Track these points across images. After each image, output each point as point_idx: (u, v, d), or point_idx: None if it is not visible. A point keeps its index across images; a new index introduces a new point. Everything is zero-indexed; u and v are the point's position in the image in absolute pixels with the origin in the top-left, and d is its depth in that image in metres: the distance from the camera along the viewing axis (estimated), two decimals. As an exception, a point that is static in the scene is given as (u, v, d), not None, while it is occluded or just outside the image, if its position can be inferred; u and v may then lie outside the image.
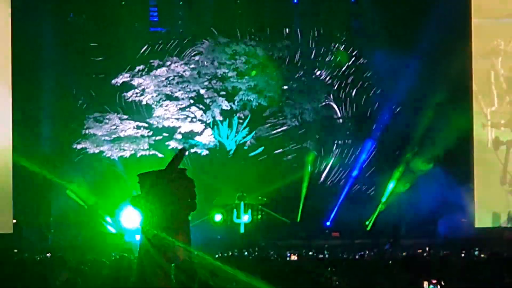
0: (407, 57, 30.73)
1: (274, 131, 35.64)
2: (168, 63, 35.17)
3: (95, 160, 34.62)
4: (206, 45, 35.37)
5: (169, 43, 35.14)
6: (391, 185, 32.33)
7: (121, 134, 35.06)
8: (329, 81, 35.67)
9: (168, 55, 35.12)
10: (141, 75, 35.20)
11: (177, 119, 35.26)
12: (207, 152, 35.34)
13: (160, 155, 35.13)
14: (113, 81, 34.79)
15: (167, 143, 35.19)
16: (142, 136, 35.13)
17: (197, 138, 35.39)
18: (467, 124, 28.97)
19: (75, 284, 8.75)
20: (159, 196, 3.57)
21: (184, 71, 35.23)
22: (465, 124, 29.16)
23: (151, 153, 35.16)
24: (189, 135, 35.37)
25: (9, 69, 27.77)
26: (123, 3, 33.24)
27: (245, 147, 35.56)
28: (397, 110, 33.70)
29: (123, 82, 34.97)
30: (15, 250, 23.87)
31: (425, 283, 10.11)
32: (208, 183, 33.59)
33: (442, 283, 9.98)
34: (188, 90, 35.25)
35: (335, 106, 35.63)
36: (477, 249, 23.64)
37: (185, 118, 35.31)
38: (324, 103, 35.60)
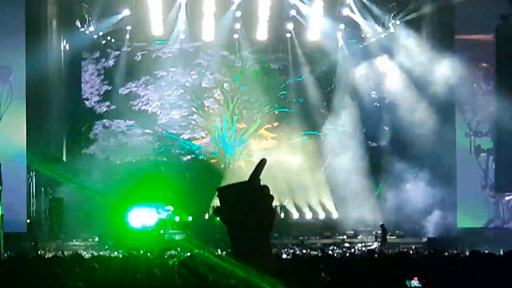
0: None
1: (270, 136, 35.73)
2: (172, 74, 35.22)
3: (103, 164, 34.66)
4: (206, 58, 35.44)
5: (172, 55, 35.20)
6: (380, 189, 32.43)
7: (128, 140, 35.09)
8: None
9: (172, 67, 35.17)
10: (147, 85, 35.26)
11: (180, 126, 35.33)
12: (208, 156, 35.41)
13: (164, 159, 35.21)
14: (120, 91, 34.86)
15: (171, 149, 35.32)
16: (148, 142, 35.18)
17: (198, 143, 35.45)
18: (452, 133, 29.09)
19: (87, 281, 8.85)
20: (247, 206, 3.63)
21: (186, 82, 35.30)
22: (449, 133, 29.29)
23: (155, 158, 35.23)
24: (191, 141, 35.43)
25: (23, 78, 27.83)
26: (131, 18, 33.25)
27: (243, 152, 35.61)
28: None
29: (130, 91, 35.04)
30: (30, 246, 23.92)
31: (411, 280, 10.19)
32: (208, 186, 33.63)
33: (425, 280, 10.06)
34: (190, 99, 35.32)
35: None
36: (456, 248, 23.75)
37: (187, 125, 35.37)
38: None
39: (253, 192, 3.68)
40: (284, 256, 20.41)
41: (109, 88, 35.10)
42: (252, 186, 3.69)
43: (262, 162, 3.73)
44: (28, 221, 27.02)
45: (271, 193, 3.51)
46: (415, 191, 30.49)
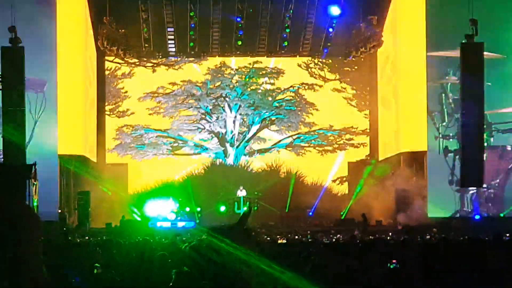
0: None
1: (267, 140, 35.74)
2: (183, 84, 35.26)
3: (124, 162, 34.70)
4: (213, 70, 35.44)
5: (184, 69, 35.27)
6: (361, 183, 32.46)
7: (145, 142, 35.13)
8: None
9: (184, 79, 35.22)
10: (162, 94, 35.28)
11: (190, 129, 35.34)
12: (214, 156, 35.40)
13: (176, 158, 35.26)
14: (140, 99, 34.96)
15: (183, 149, 35.33)
16: (161, 142, 35.19)
17: (206, 145, 35.45)
18: (424, 136, 29.14)
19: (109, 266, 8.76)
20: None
21: (195, 91, 35.30)
22: (421, 136, 29.35)
23: (169, 156, 35.28)
24: (199, 142, 35.45)
25: (55, 88, 27.83)
26: (145, 30, 33.18)
27: (245, 153, 35.57)
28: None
29: (147, 99, 35.12)
30: (60, 233, 23.83)
31: (388, 262, 10.10)
32: (214, 181, 33.63)
33: (401, 262, 9.98)
34: (199, 106, 35.31)
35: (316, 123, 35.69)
36: (429, 234, 23.67)
37: (196, 129, 35.38)
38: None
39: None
40: (280, 241, 20.33)
41: (130, 95, 35.16)
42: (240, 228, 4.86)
43: (246, 215, 4.00)
44: (59, 211, 26.96)
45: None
46: (393, 184, 30.52)
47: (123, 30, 32.91)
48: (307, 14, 32.68)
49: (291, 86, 35.77)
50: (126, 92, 35.24)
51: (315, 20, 32.95)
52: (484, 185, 27.83)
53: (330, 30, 33.17)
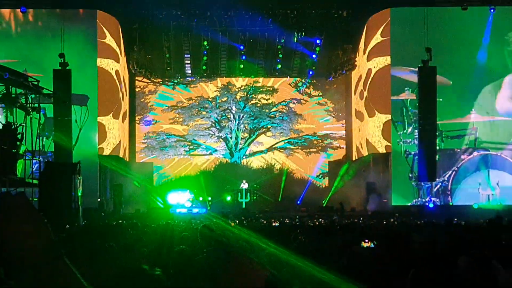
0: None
1: (264, 144, 35.77)
2: (196, 99, 35.33)
3: (150, 161, 34.76)
4: (221, 88, 35.48)
5: (197, 85, 35.35)
6: (338, 178, 32.49)
7: (167, 145, 35.15)
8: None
9: (197, 95, 35.32)
10: (180, 107, 35.32)
11: (203, 135, 35.37)
12: (221, 156, 35.41)
13: (192, 159, 35.29)
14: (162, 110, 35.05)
15: (197, 150, 35.35)
16: (180, 145, 35.22)
17: (215, 147, 35.47)
18: (389, 141, 29.18)
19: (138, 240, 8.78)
20: None
21: (208, 104, 35.34)
22: (387, 141, 29.40)
23: (185, 157, 35.31)
24: (210, 145, 35.45)
25: (96, 102, 27.87)
26: (167, 56, 33.26)
27: (248, 154, 35.59)
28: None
29: (168, 111, 35.20)
30: (99, 217, 23.86)
31: (361, 242, 10.09)
32: (222, 176, 33.62)
33: (372, 242, 9.96)
34: (210, 117, 35.35)
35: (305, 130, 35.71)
36: (391, 219, 23.68)
37: (208, 135, 35.40)
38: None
39: None
40: (274, 224, 20.30)
41: (155, 108, 35.21)
42: None
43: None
44: (99, 200, 26.98)
45: None
46: (364, 180, 30.53)
47: (149, 56, 33.03)
48: (296, 44, 32.73)
49: (283, 101, 35.82)
50: (152, 105, 35.28)
51: (302, 48, 33.04)
52: (437, 180, 27.90)
53: (314, 56, 33.24)
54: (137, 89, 34.76)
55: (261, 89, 35.72)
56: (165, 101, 35.37)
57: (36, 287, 1.73)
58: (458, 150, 29.04)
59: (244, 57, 33.32)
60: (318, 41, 32.38)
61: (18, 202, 1.73)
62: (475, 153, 29.05)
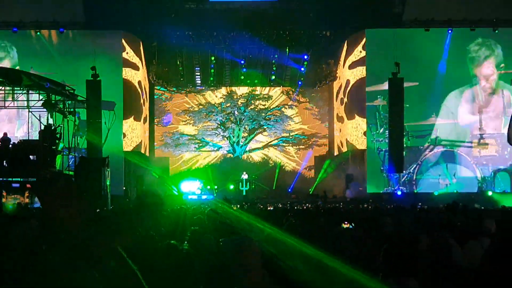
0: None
1: (261, 141, 35.77)
2: (206, 105, 35.33)
3: (167, 156, 34.75)
4: (225, 96, 35.47)
5: (205, 93, 35.35)
6: (323, 170, 32.53)
7: (180, 142, 35.16)
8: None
9: (206, 101, 35.30)
10: (191, 111, 35.33)
11: (210, 134, 35.37)
12: (225, 152, 35.41)
13: (201, 154, 35.29)
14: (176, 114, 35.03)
15: (206, 147, 35.36)
16: (192, 143, 35.22)
17: (220, 145, 35.47)
18: (364, 139, 29.24)
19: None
20: None
21: (215, 109, 35.34)
22: (363, 139, 29.46)
23: (196, 153, 35.31)
24: (216, 143, 35.46)
25: (122, 107, 27.90)
26: (180, 69, 33.29)
27: (248, 151, 35.60)
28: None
29: (181, 114, 35.19)
30: (126, 201, 23.86)
31: (341, 224, 10.10)
32: (226, 169, 33.64)
33: (350, 223, 9.98)
34: (216, 119, 35.34)
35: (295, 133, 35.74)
36: (366, 204, 23.74)
37: (214, 134, 35.40)
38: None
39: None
40: (269, 208, 20.34)
41: (170, 112, 35.24)
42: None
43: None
44: (124, 188, 26.99)
45: None
46: (344, 172, 30.55)
47: (166, 69, 33.03)
48: (287, 59, 32.75)
49: (277, 106, 35.80)
50: (168, 110, 35.27)
51: (293, 64, 33.06)
52: (404, 172, 27.94)
53: (302, 69, 33.26)
54: (155, 96, 34.70)
55: (259, 96, 35.72)
56: (179, 106, 35.33)
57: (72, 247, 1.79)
58: (422, 147, 29.08)
59: (244, 70, 33.35)
60: (305, 57, 32.40)
61: (66, 183, 1.81)
62: (436, 150, 29.12)
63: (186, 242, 5.03)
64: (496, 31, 28.86)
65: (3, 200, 18.62)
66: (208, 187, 30.60)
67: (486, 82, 29.09)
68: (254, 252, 3.26)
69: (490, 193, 27.88)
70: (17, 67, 27.55)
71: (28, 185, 19.50)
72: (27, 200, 19.09)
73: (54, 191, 1.76)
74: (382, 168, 28.41)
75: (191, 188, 29.48)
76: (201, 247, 4.79)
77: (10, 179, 19.80)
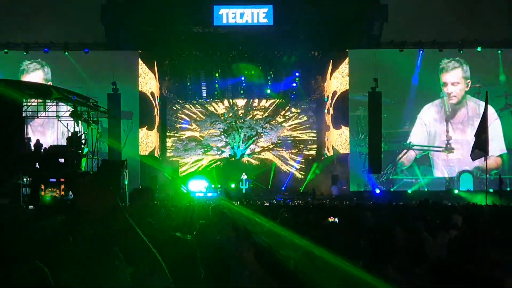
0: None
1: (259, 146, 35.73)
2: (211, 115, 35.29)
3: (177, 159, 34.68)
4: (228, 107, 35.45)
5: (210, 105, 35.31)
6: (312, 171, 32.49)
7: (189, 147, 35.10)
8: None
9: (210, 111, 35.26)
10: (198, 120, 35.28)
11: (214, 140, 35.34)
12: (228, 155, 35.37)
13: (207, 157, 35.21)
14: (185, 124, 34.99)
15: (210, 151, 35.28)
16: (198, 147, 35.18)
17: (223, 150, 35.43)
18: (348, 144, 29.22)
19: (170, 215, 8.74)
20: None
21: (218, 118, 35.33)
22: (347, 144, 29.43)
23: (202, 156, 35.24)
24: (220, 148, 35.41)
25: (139, 116, 27.88)
26: (188, 84, 33.28)
27: (247, 154, 35.57)
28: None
29: (190, 122, 35.15)
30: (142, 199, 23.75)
31: (328, 218, 10.09)
32: (228, 170, 33.60)
33: (335, 218, 9.97)
34: (220, 127, 35.32)
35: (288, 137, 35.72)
36: (349, 201, 23.72)
37: (218, 140, 35.37)
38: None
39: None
40: (265, 204, 20.33)
41: (180, 121, 35.18)
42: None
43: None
44: (140, 187, 26.86)
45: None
46: (330, 172, 30.49)
47: (176, 84, 33.05)
48: (281, 75, 32.79)
49: (272, 116, 35.78)
50: (178, 118, 35.23)
51: (285, 78, 33.08)
52: (381, 173, 27.94)
53: (294, 84, 33.31)
54: (167, 108, 34.70)
55: (256, 108, 35.72)
56: (187, 116, 35.29)
57: (104, 232, 1.83)
58: (397, 151, 29.11)
59: (244, 85, 33.35)
60: (297, 74, 32.46)
61: (94, 176, 1.87)
62: (409, 153, 29.14)
63: (194, 233, 5.00)
64: (461, 51, 28.97)
65: (42, 193, 18.59)
66: (213, 186, 30.55)
67: (453, 88, 29.18)
68: (248, 248, 3.28)
69: (456, 191, 27.88)
70: (50, 82, 27.82)
71: (62, 179, 19.47)
72: (62, 193, 19.07)
73: (85, 181, 1.76)
74: (363, 169, 28.40)
75: (198, 187, 29.43)
76: (205, 239, 4.78)
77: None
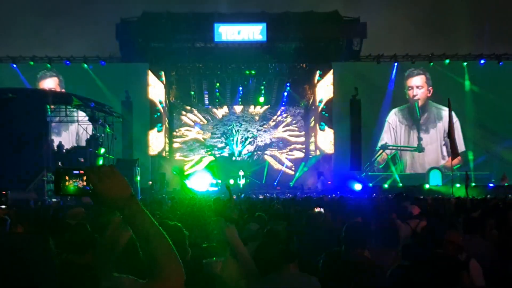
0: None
1: (255, 147, 35.69)
2: (211, 121, 35.21)
3: (182, 158, 34.58)
4: (227, 113, 35.40)
5: (212, 111, 35.23)
6: (300, 169, 32.50)
7: (193, 148, 35.01)
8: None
9: (212, 117, 35.17)
10: (202, 124, 35.20)
11: (215, 142, 35.25)
12: (227, 155, 35.28)
13: (210, 157, 35.11)
14: (192, 129, 34.89)
15: (213, 151, 35.20)
16: (201, 148, 35.09)
17: (223, 150, 35.35)
18: (332, 146, 29.23)
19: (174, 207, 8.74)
20: None
21: (219, 122, 35.25)
22: (331, 146, 29.44)
23: (205, 155, 35.13)
24: (220, 147, 35.32)
25: (148, 122, 27.84)
26: (192, 92, 33.21)
27: (243, 154, 35.51)
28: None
29: (195, 126, 35.03)
30: (152, 192, 23.74)
31: (314, 208, 10.10)
32: (227, 167, 33.51)
33: (321, 208, 9.98)
34: (220, 129, 35.24)
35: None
36: (334, 194, 23.71)
37: (219, 141, 35.29)
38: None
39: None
40: (260, 197, 20.30)
41: (185, 125, 35.07)
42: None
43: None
44: (150, 182, 26.88)
45: None
46: (316, 170, 30.50)
47: (182, 92, 32.97)
48: (273, 84, 32.81)
49: (265, 121, 35.73)
50: (184, 123, 35.14)
51: (277, 89, 33.12)
52: (361, 170, 27.96)
53: (285, 94, 33.37)
54: (174, 113, 34.62)
55: (252, 113, 35.70)
56: (191, 120, 35.20)
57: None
58: (375, 150, 29.18)
59: (241, 93, 33.35)
60: (288, 84, 32.51)
61: (110, 167, 1.88)
62: (385, 153, 29.23)
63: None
64: (431, 64, 29.16)
65: (66, 183, 18.57)
66: (214, 181, 30.49)
67: (418, 90, 29.45)
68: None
69: (427, 186, 27.99)
70: (63, 89, 28.17)
71: (81, 171, 19.44)
72: (85, 183, 19.02)
73: (102, 169, 1.81)
74: (345, 167, 28.43)
75: (201, 182, 29.35)
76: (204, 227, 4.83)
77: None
